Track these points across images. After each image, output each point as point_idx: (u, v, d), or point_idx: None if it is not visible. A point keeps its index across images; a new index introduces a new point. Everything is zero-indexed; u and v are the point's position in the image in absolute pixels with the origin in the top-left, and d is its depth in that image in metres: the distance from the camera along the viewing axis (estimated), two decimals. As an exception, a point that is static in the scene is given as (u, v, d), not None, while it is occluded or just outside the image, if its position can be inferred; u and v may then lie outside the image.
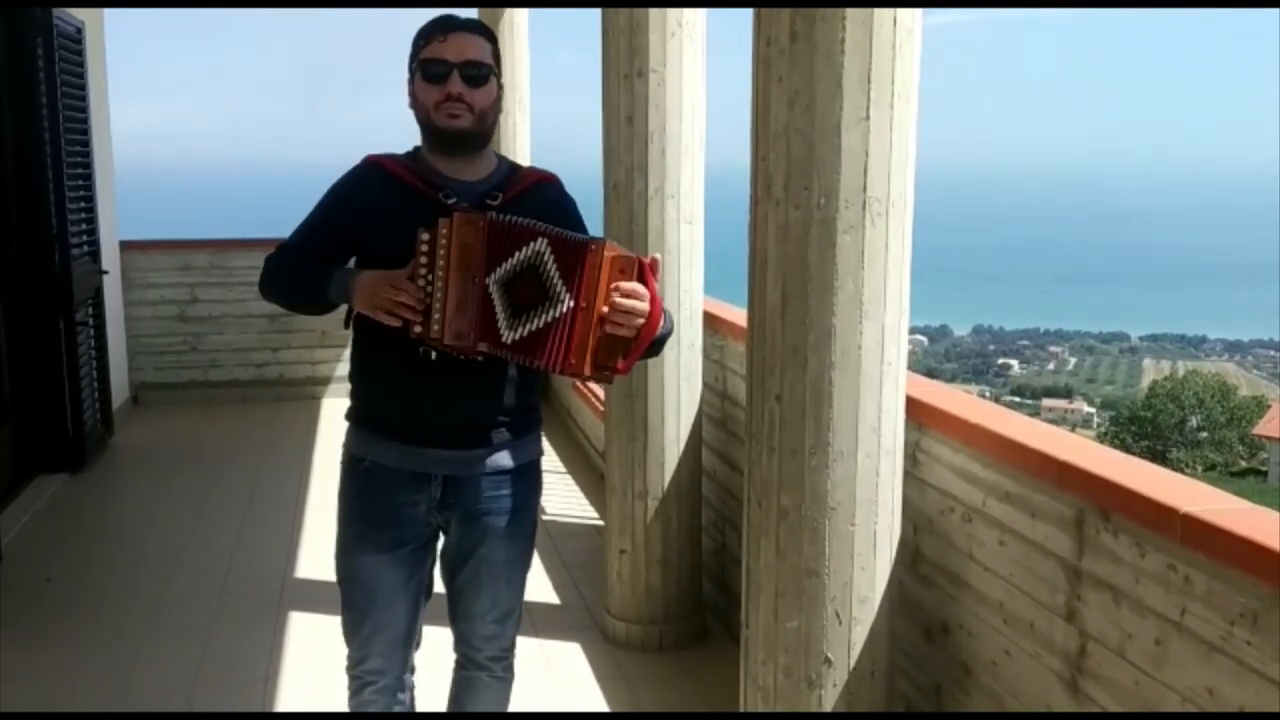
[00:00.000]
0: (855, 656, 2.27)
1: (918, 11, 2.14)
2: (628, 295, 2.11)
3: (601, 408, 4.79)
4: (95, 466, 6.21)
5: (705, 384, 3.96)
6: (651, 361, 3.74)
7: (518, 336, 2.15)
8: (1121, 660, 1.99)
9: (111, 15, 7.24)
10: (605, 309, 2.10)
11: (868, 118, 2.10)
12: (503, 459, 2.39)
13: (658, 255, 2.20)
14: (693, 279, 3.79)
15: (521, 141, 7.53)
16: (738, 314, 3.89)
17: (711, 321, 4.01)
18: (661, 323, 2.19)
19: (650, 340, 2.17)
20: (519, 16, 7.41)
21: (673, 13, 3.57)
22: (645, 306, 2.12)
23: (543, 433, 2.56)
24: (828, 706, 2.28)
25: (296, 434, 6.67)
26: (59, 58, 5.79)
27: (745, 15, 2.30)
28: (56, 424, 5.89)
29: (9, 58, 5.58)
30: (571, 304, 2.12)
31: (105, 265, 6.70)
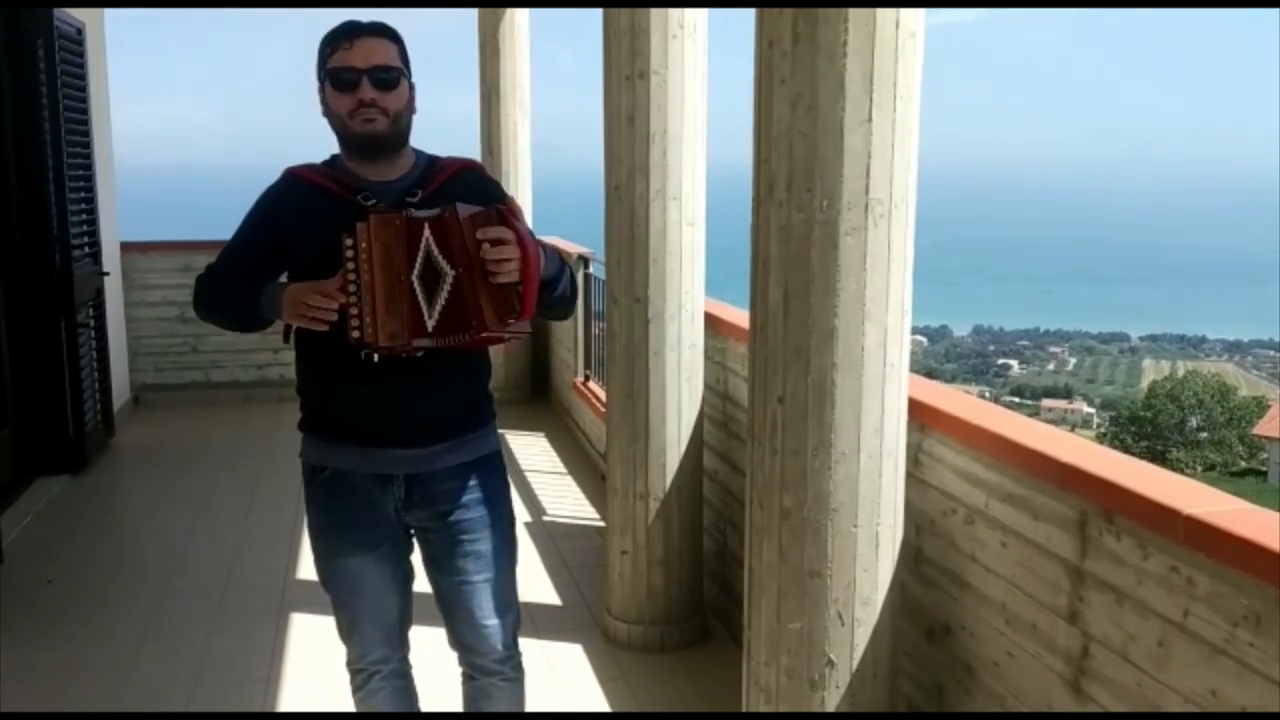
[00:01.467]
0: (858, 658, 2.27)
1: (920, 13, 2.14)
2: (492, 241, 2.10)
3: (602, 409, 4.79)
4: (96, 468, 6.21)
5: (706, 385, 3.96)
6: (654, 363, 3.74)
7: (434, 323, 2.17)
8: (1124, 662, 1.99)
9: (112, 16, 7.24)
10: (480, 263, 2.11)
11: (870, 119, 2.10)
12: (460, 453, 2.40)
13: (512, 195, 2.20)
14: (694, 280, 3.79)
15: (522, 141, 7.54)
16: (739, 315, 3.89)
17: (713, 323, 4.01)
18: (544, 260, 2.18)
19: (538, 277, 2.15)
20: (519, 16, 7.42)
21: (674, 14, 3.57)
22: (513, 248, 2.10)
23: (496, 426, 2.54)
24: (830, 708, 2.28)
25: (297, 435, 6.66)
26: (60, 59, 5.79)
27: (746, 16, 2.30)
28: (57, 425, 5.89)
29: (10, 59, 5.58)
30: (452, 273, 2.14)
31: (106, 266, 6.70)
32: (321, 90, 2.30)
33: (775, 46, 2.15)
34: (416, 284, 2.17)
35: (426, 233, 2.15)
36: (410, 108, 2.32)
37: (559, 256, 2.30)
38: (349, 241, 2.17)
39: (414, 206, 2.24)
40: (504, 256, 2.10)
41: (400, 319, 2.17)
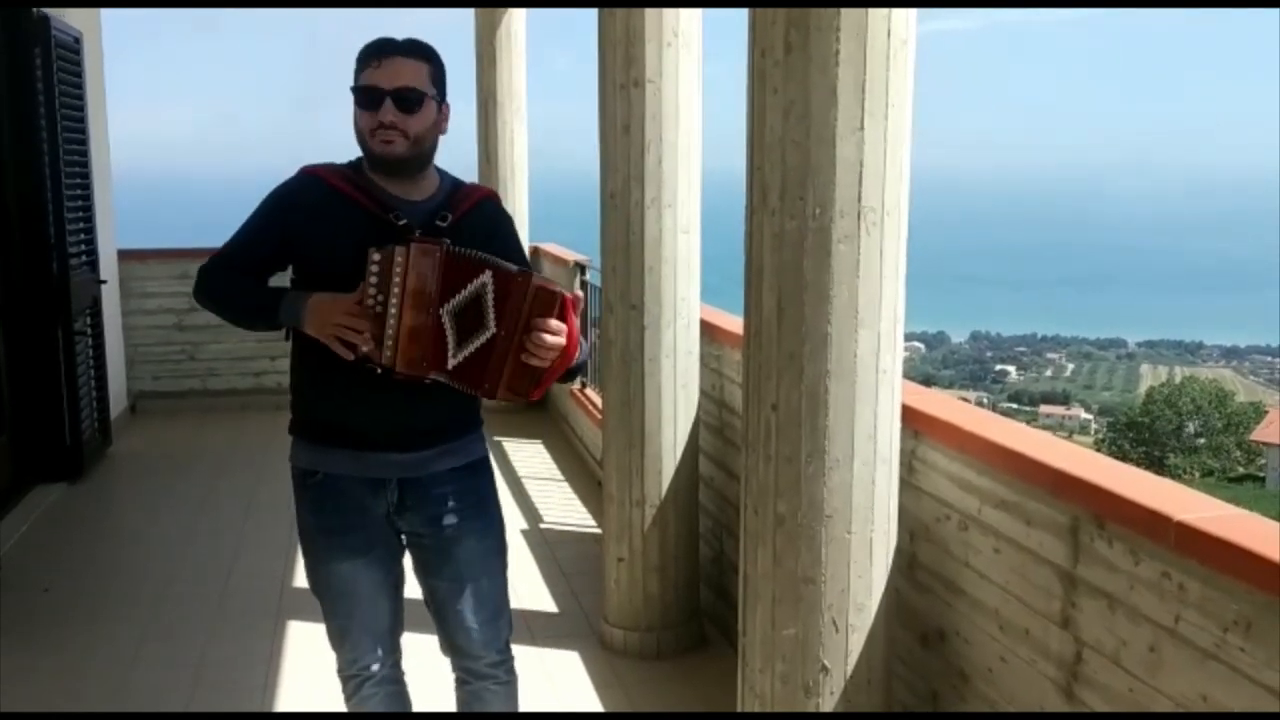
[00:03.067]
0: (852, 664, 2.28)
1: (911, 21, 2.15)
2: (547, 331, 2.14)
3: (599, 416, 4.80)
4: (93, 476, 6.21)
5: (702, 392, 3.97)
6: (649, 369, 3.76)
7: (458, 363, 2.20)
8: (1116, 667, 2.00)
9: (109, 25, 7.25)
10: (524, 338, 2.15)
11: (862, 128, 2.11)
12: (453, 457, 2.41)
13: (579, 294, 2.24)
14: (689, 288, 3.80)
15: (519, 149, 7.56)
16: (734, 322, 3.90)
17: (708, 330, 4.02)
18: (578, 353, 2.23)
19: (564, 369, 2.22)
20: (516, 25, 7.44)
21: (668, 24, 3.58)
22: (562, 341, 2.16)
23: (485, 433, 2.56)
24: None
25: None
26: (57, 67, 5.80)
27: (740, 26, 2.31)
28: (54, 433, 5.89)
29: (7, 68, 5.59)
30: (494, 331, 2.17)
31: (103, 274, 6.70)
32: (355, 105, 2.28)
33: (768, 56, 2.16)
34: (448, 318, 2.18)
35: (486, 278, 2.17)
36: (437, 129, 2.31)
37: (587, 347, 2.35)
38: (377, 257, 2.17)
39: (445, 230, 2.25)
40: (550, 346, 2.14)
41: (422, 348, 2.19)
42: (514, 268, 2.20)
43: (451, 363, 2.20)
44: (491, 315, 2.17)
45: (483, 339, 2.17)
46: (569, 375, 2.31)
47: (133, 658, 3.91)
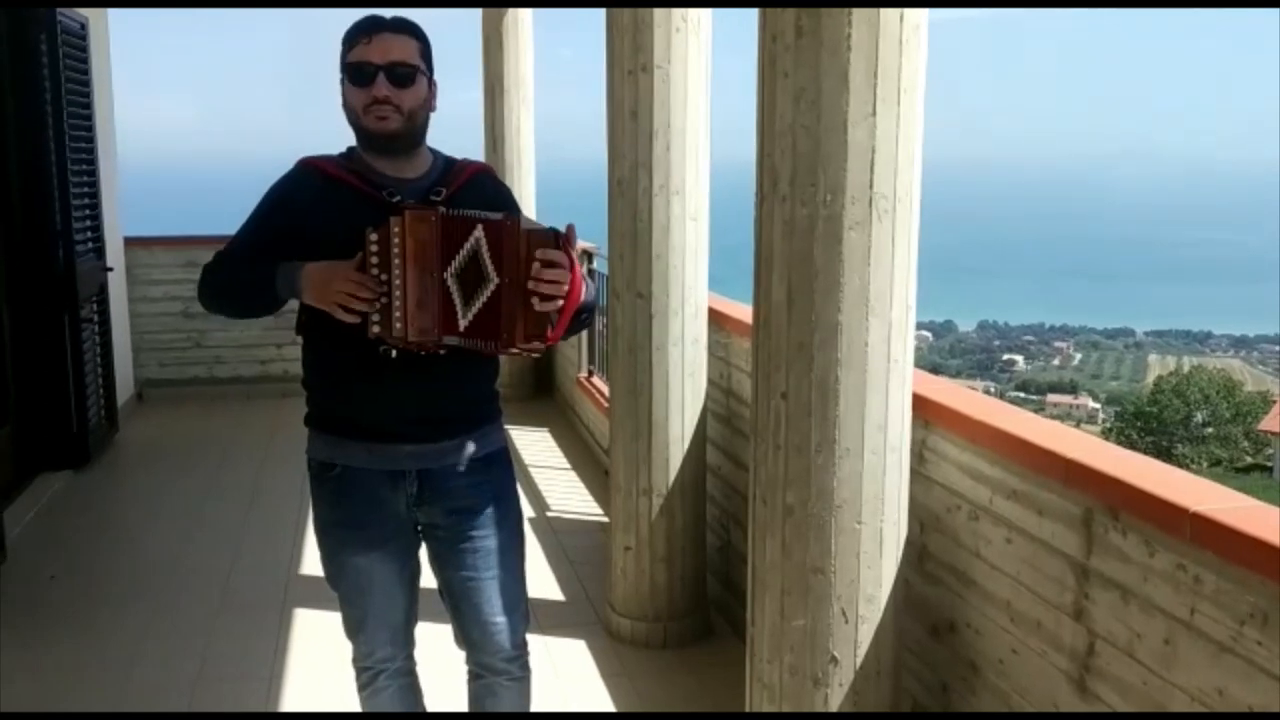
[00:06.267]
0: (861, 655, 2.26)
1: (923, 8, 2.12)
2: (548, 264, 2.11)
3: (606, 404, 4.78)
4: (99, 463, 6.22)
5: (710, 380, 3.95)
6: (657, 358, 3.73)
7: (468, 322, 2.18)
8: (1130, 660, 1.98)
9: (115, 12, 7.23)
10: (529, 281, 2.12)
11: (874, 114, 2.08)
12: (471, 448, 2.40)
13: (572, 224, 2.20)
14: (697, 275, 3.78)
15: (525, 135, 7.53)
16: (743, 310, 3.88)
17: (716, 318, 4.00)
18: (584, 290, 2.21)
19: (575, 307, 2.17)
20: (523, 14, 7.40)
21: (677, 9, 3.56)
22: (566, 274, 2.13)
23: (504, 423, 2.55)
24: (834, 705, 2.26)
25: (300, 430, 6.63)
26: (63, 54, 5.78)
27: (750, 12, 2.28)
28: (61, 421, 5.89)
29: (12, 55, 5.57)
30: (498, 280, 2.14)
31: (110, 262, 6.70)
32: (342, 84, 2.29)
33: (779, 40, 2.13)
34: (452, 281, 2.17)
35: (479, 233, 2.15)
36: (428, 105, 2.31)
37: (592, 285, 2.31)
38: (374, 235, 2.16)
39: (439, 205, 2.24)
40: (555, 280, 2.11)
41: (431, 314, 2.17)
42: (498, 215, 2.17)
43: (463, 324, 2.18)
44: (490, 267, 2.15)
45: (488, 292, 2.15)
46: (581, 320, 2.28)
47: (138, 644, 3.91)
